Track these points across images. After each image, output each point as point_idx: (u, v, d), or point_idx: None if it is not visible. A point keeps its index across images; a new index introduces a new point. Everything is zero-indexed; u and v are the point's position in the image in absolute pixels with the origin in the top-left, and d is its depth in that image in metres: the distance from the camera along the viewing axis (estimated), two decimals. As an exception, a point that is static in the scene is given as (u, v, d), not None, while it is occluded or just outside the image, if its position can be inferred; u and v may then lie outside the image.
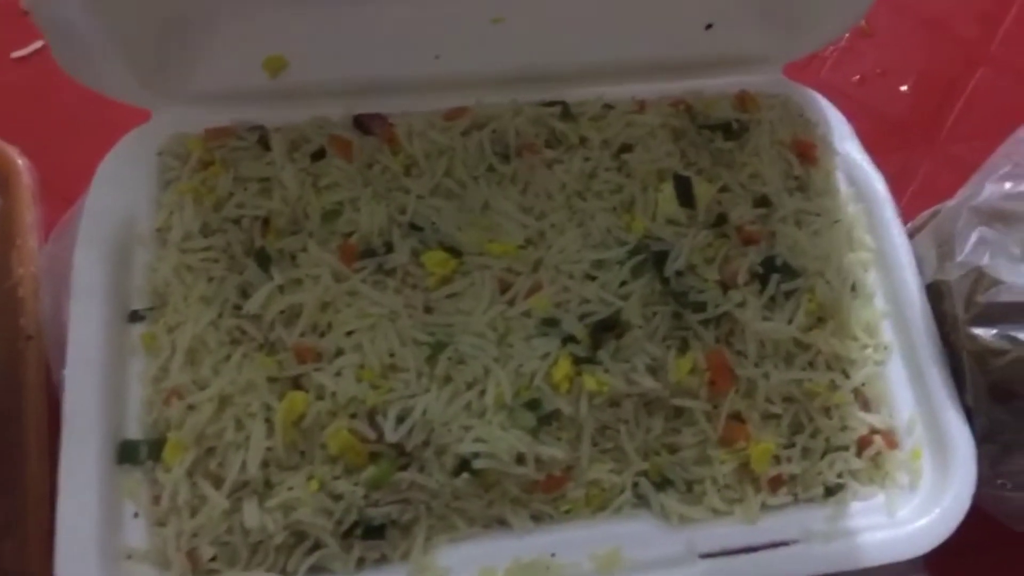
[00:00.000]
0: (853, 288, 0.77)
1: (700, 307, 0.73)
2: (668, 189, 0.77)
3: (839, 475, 0.71)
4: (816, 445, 0.71)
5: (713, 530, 0.69)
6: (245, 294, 0.70)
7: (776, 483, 0.70)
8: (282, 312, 0.69)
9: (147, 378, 0.68)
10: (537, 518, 0.68)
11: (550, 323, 0.71)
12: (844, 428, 0.72)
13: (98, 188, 0.72)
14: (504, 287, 0.72)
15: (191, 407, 0.66)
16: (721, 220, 0.77)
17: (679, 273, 0.73)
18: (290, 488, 0.64)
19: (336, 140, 0.76)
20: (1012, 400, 0.70)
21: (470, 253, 0.73)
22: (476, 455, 0.66)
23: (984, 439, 0.71)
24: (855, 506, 0.71)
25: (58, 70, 0.69)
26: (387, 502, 0.65)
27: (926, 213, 0.82)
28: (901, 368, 0.75)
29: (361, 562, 0.65)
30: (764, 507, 0.69)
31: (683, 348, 0.72)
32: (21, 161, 0.81)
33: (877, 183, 0.81)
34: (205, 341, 0.68)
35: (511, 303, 0.72)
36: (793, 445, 0.71)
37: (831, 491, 0.71)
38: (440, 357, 0.69)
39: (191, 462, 0.65)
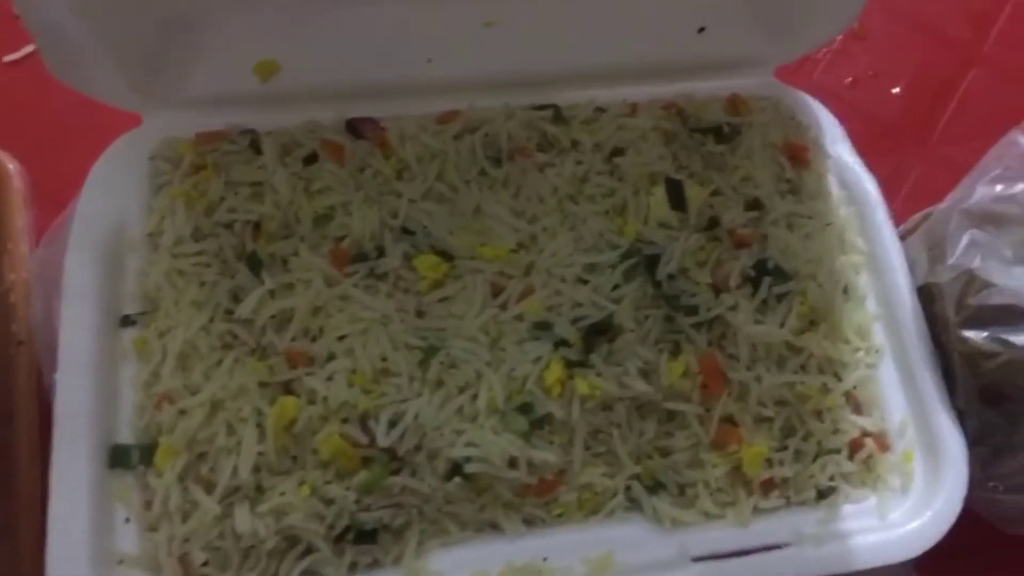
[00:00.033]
0: (845, 291, 0.77)
1: (692, 310, 0.73)
2: (660, 192, 0.77)
3: (831, 478, 0.71)
4: (808, 448, 0.71)
5: (705, 533, 0.69)
6: (237, 298, 0.70)
7: (768, 486, 0.70)
8: (273, 317, 0.69)
9: (138, 383, 0.68)
10: (529, 522, 0.68)
11: (542, 327, 0.71)
12: (836, 431, 0.72)
13: (89, 192, 0.72)
14: (496, 291, 0.72)
15: (182, 412, 0.66)
16: (713, 223, 0.77)
17: (671, 276, 0.73)
18: (282, 493, 0.64)
19: (328, 144, 0.76)
20: (1003, 403, 0.70)
21: (462, 257, 0.73)
22: (468, 459, 0.66)
23: (975, 442, 0.71)
24: (847, 509, 0.71)
25: (49, 74, 0.69)
26: (379, 507, 0.65)
27: (917, 216, 0.82)
28: (893, 371, 0.75)
29: (353, 566, 0.65)
30: (756, 510, 0.70)
31: (675, 351, 0.72)
32: (12, 165, 0.81)
33: (869, 186, 0.81)
34: (196, 346, 0.68)
35: (503, 307, 0.72)
36: (785, 448, 0.71)
37: (823, 494, 0.71)
38: (432, 361, 0.69)
39: (182, 467, 0.65)
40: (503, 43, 0.79)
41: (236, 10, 0.74)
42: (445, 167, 0.77)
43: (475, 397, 0.68)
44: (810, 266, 0.76)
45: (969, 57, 1.04)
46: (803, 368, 0.73)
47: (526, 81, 0.81)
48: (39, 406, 0.72)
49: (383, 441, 0.65)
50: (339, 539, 0.64)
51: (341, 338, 0.69)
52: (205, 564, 0.63)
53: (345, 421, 0.66)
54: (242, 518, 0.63)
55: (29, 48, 0.90)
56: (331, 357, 0.68)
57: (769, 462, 0.70)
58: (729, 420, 0.71)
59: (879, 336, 0.76)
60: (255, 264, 0.71)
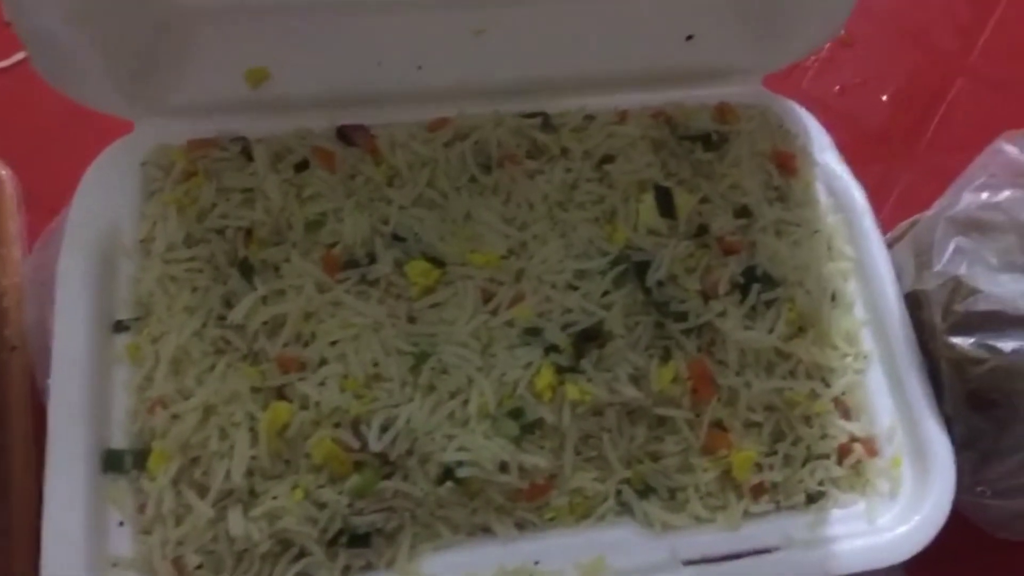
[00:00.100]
0: (833, 298, 0.77)
1: (682, 317, 0.73)
2: (649, 200, 0.77)
3: (820, 483, 0.71)
4: (797, 453, 0.72)
5: (696, 537, 0.69)
6: (229, 304, 0.70)
7: (758, 491, 0.70)
8: (266, 322, 0.69)
9: (131, 388, 0.68)
10: (521, 526, 0.68)
11: (533, 332, 0.71)
12: (825, 436, 0.73)
13: (82, 198, 0.72)
14: (487, 297, 0.72)
15: (175, 416, 0.66)
16: (702, 230, 0.77)
17: (661, 283, 0.74)
18: (275, 497, 0.64)
19: (319, 151, 0.76)
20: (990, 408, 0.70)
21: (453, 263, 0.73)
22: (460, 464, 0.66)
23: (963, 447, 0.71)
24: (836, 513, 0.71)
25: (42, 81, 0.69)
26: (372, 510, 0.65)
27: (905, 223, 0.83)
28: (881, 377, 0.75)
29: (347, 570, 0.65)
30: (746, 514, 0.70)
31: (665, 357, 0.72)
32: (5, 171, 0.82)
33: (856, 193, 0.81)
34: (189, 351, 0.68)
35: (494, 313, 0.72)
36: (775, 453, 0.71)
37: (812, 498, 0.71)
38: (423, 367, 0.69)
39: (176, 471, 0.65)
40: (493, 51, 0.79)
41: (227, 18, 0.74)
42: (435, 174, 0.77)
43: (466, 402, 0.68)
44: (798, 273, 0.77)
45: (957, 65, 1.05)
46: (792, 374, 0.74)
47: (516, 89, 0.81)
48: (33, 411, 0.73)
49: (375, 446, 0.65)
50: (332, 542, 0.65)
51: (333, 343, 0.69)
52: (199, 567, 0.63)
53: (337, 426, 0.66)
54: (235, 522, 0.64)
55: (20, 55, 0.90)
56: (323, 362, 0.68)
57: (759, 467, 0.71)
58: (719, 425, 0.71)
59: (867, 342, 0.77)
60: (247, 270, 0.71)
